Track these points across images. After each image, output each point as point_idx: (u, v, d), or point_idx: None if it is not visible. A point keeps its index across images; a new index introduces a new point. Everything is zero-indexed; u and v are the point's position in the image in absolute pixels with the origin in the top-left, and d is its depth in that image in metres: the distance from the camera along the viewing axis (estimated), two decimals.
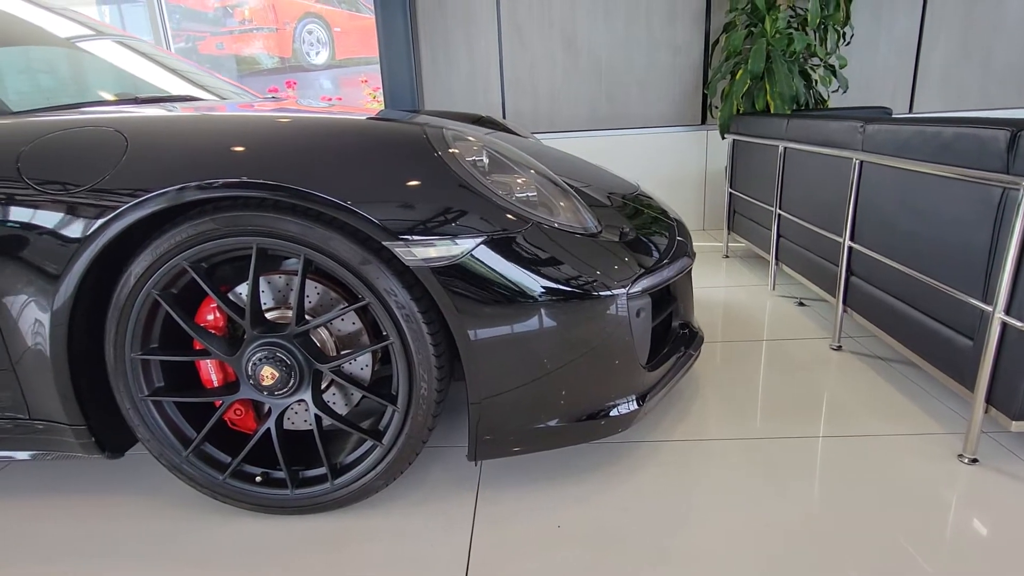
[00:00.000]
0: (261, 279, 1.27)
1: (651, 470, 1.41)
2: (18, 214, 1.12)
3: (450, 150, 1.19)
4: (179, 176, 1.10)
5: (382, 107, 4.33)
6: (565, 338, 1.21)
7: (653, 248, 1.42)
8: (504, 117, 4.05)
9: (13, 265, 1.14)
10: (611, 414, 1.32)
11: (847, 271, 1.98)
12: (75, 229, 1.12)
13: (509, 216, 1.16)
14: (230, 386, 1.29)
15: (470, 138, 1.27)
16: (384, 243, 1.10)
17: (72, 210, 1.12)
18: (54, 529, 1.33)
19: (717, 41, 3.62)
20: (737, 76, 3.17)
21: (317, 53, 4.96)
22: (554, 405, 1.26)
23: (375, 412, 1.41)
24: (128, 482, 1.49)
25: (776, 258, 2.62)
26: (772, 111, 3.12)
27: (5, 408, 1.28)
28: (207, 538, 1.27)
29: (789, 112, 3.00)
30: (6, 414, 1.29)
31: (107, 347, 1.21)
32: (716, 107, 3.69)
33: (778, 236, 2.58)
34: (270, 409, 1.28)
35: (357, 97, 5.09)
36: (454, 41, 3.93)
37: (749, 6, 3.29)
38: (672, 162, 3.98)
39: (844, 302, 2.01)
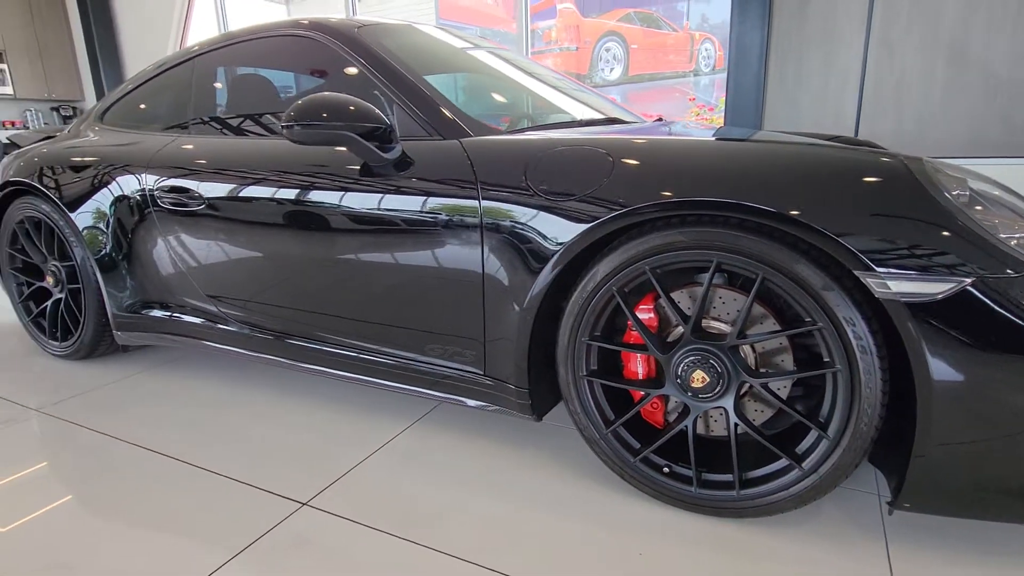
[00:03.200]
0: (686, 290, 1.38)
1: None
2: (521, 214, 1.41)
3: (933, 182, 1.13)
4: (657, 192, 1.25)
5: (716, 124, 4.32)
6: None
7: None
8: (855, 137, 3.70)
9: (510, 256, 1.43)
10: None
11: None
12: (563, 229, 1.36)
13: (1002, 258, 1.06)
14: (652, 381, 1.43)
15: (949, 171, 1.20)
16: (856, 272, 1.10)
17: (564, 214, 1.35)
18: (471, 466, 1.64)
19: None
20: None
21: (612, 69, 5.19)
22: (1006, 473, 1.12)
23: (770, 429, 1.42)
24: (531, 442, 1.75)
25: None
26: None
27: (467, 363, 1.62)
28: (614, 508, 1.43)
29: None
30: (467, 368, 1.63)
31: (562, 330, 1.44)
32: None
33: None
34: (685, 409, 1.38)
35: (677, 113, 5.17)
36: (809, 57, 3.73)
37: None
38: None
39: None
